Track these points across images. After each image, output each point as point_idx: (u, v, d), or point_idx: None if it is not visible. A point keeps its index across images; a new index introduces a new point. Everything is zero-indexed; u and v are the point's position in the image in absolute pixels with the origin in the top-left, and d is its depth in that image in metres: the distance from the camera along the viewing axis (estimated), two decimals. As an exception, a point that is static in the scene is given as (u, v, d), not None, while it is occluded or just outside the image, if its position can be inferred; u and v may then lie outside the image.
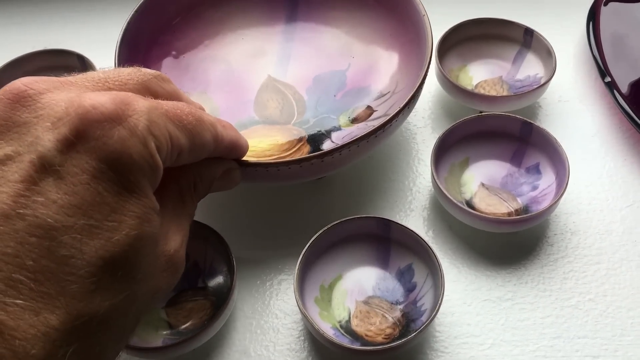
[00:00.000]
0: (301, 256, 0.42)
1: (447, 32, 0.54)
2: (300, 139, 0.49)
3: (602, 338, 0.42)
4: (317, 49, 0.55)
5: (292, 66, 0.55)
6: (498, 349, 0.41)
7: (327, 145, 0.48)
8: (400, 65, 0.51)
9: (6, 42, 0.62)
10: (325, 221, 0.44)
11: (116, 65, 0.47)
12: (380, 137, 0.43)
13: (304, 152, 0.48)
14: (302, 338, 0.43)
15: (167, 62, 0.53)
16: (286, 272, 0.46)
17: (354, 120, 0.49)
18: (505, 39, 0.55)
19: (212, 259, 0.44)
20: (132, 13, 0.50)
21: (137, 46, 0.50)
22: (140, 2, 0.51)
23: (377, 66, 0.52)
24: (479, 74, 0.55)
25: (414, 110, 0.55)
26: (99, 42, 0.59)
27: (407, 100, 0.43)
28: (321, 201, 0.49)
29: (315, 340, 0.42)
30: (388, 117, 0.43)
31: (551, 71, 0.51)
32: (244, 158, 0.41)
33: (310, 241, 0.42)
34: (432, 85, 0.55)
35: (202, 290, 0.44)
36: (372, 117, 0.49)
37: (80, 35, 0.62)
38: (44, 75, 0.54)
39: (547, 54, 0.53)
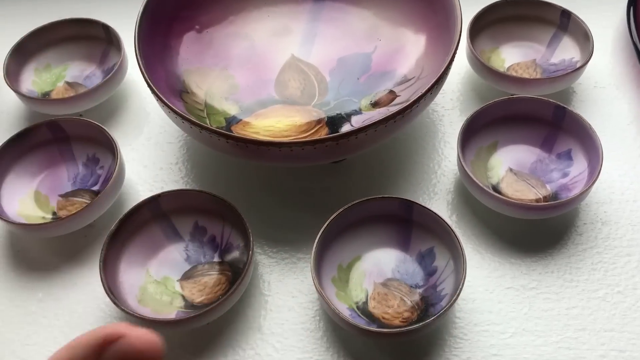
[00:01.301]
0: (319, 235, 0.41)
1: (480, 12, 0.52)
2: (319, 121, 0.48)
3: (630, 332, 0.40)
4: (344, 29, 0.53)
5: (317, 46, 0.53)
6: (520, 339, 0.40)
7: (346, 129, 0.46)
8: (427, 49, 0.49)
9: (33, 11, 0.62)
10: (346, 201, 0.42)
11: (136, 38, 0.45)
12: (400, 122, 0.42)
13: (322, 134, 0.46)
14: (318, 318, 0.42)
15: (190, 36, 0.52)
16: (304, 251, 0.45)
17: (376, 105, 0.48)
18: (541, 21, 0.53)
19: (230, 234, 0.44)
20: None
21: (159, 20, 0.50)
22: None
23: (404, 50, 0.50)
24: (512, 56, 0.53)
25: (441, 92, 0.53)
26: (125, 12, 0.58)
27: (429, 86, 0.42)
28: (343, 181, 0.48)
29: (331, 321, 0.41)
30: (409, 103, 0.41)
31: (588, 55, 0.49)
32: (260, 137, 0.40)
33: (329, 220, 0.41)
34: (462, 66, 0.53)
35: (218, 265, 0.43)
36: (395, 102, 0.48)
37: (105, 5, 0.62)
38: (69, 43, 0.54)
39: (584, 38, 0.51)
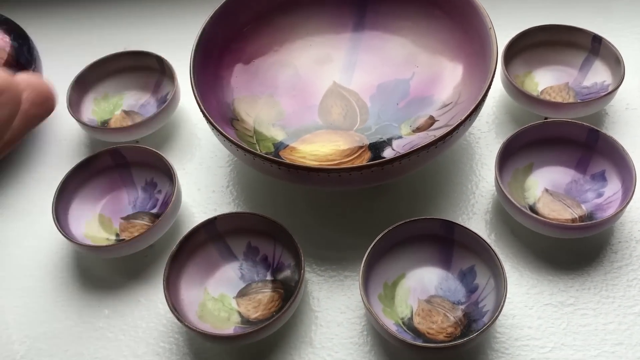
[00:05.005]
0: (367, 254, 0.43)
1: (513, 38, 0.55)
2: (361, 146, 0.50)
3: (666, 347, 0.42)
4: (383, 57, 0.56)
5: (357, 73, 0.56)
6: (559, 353, 0.42)
7: (387, 153, 0.49)
8: (464, 76, 0.52)
9: (90, 44, 0.66)
10: (389, 221, 0.45)
11: (191, 69, 0.49)
12: (441, 147, 0.44)
13: (365, 158, 0.49)
14: (365, 333, 0.44)
15: (238, 67, 0.55)
16: (351, 269, 0.47)
17: (416, 129, 0.50)
18: (573, 46, 0.55)
19: (281, 254, 0.46)
20: (206, 20, 0.52)
21: (211, 52, 0.53)
22: (214, 10, 0.53)
23: (441, 76, 0.53)
24: (545, 80, 0.55)
25: (478, 116, 0.55)
26: (177, 45, 0.62)
27: (469, 112, 0.44)
28: (386, 202, 0.51)
29: (378, 335, 0.44)
30: (449, 128, 0.44)
31: (619, 79, 0.51)
32: (309, 163, 0.42)
33: (376, 240, 0.44)
34: (496, 90, 0.56)
35: (271, 283, 0.46)
36: (434, 126, 0.50)
37: (159, 37, 0.66)
38: (125, 74, 0.58)
39: (615, 62, 0.53)
